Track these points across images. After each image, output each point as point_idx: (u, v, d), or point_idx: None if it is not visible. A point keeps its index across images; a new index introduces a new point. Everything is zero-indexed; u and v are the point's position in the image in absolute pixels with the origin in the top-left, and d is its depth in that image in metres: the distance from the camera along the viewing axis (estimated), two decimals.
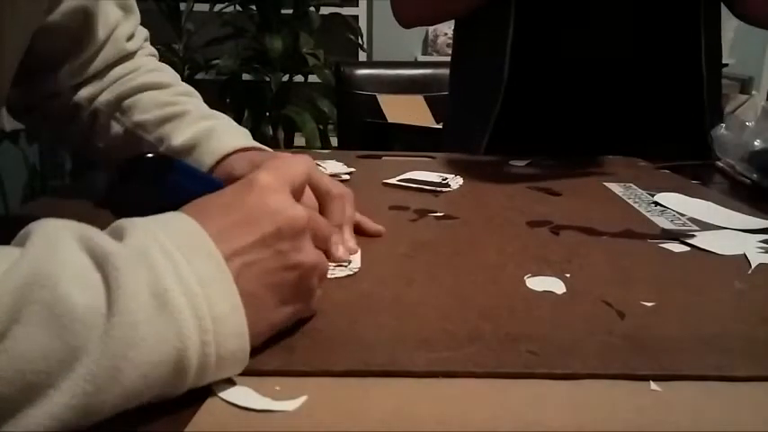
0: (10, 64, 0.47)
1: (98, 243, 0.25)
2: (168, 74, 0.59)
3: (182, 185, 0.35)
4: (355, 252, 0.45)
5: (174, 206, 0.30)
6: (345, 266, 0.42)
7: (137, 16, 0.59)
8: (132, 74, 0.57)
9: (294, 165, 0.36)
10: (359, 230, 0.49)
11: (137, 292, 0.24)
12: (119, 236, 0.27)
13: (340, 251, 0.43)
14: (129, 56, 0.58)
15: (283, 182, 0.33)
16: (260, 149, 0.52)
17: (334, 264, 0.42)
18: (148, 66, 0.58)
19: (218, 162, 0.50)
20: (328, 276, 0.39)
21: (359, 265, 0.43)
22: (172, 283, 0.25)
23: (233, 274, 0.27)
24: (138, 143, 0.53)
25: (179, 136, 0.51)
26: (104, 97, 0.55)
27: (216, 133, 0.52)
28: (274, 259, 0.30)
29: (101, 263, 0.24)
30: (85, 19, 0.53)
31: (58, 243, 0.24)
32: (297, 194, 0.35)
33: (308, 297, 0.33)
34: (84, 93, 0.55)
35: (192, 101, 0.56)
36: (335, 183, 0.48)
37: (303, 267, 0.31)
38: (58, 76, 0.54)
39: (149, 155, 0.37)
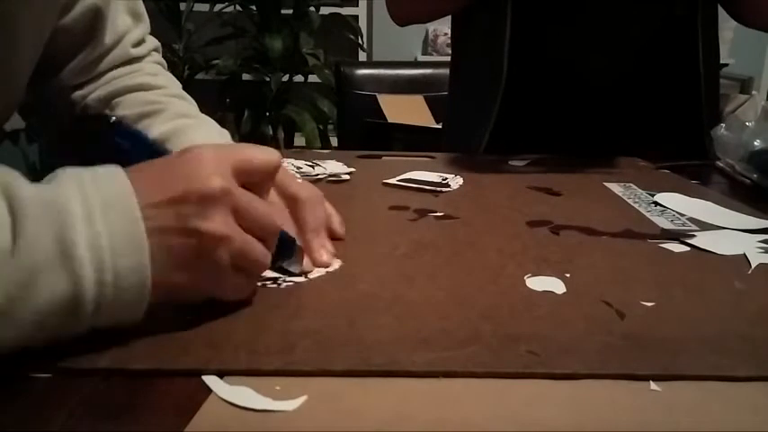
0: (27, 65, 0.48)
1: (15, 190, 0.27)
2: (165, 77, 0.59)
3: (120, 146, 0.36)
4: (332, 255, 0.43)
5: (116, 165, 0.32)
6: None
7: (146, 24, 0.60)
8: (129, 75, 0.57)
9: (251, 150, 0.35)
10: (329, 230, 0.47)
11: (39, 237, 0.27)
12: (49, 180, 0.29)
13: (324, 257, 0.42)
14: (132, 60, 0.58)
15: (223, 158, 0.33)
16: None
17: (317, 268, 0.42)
18: (148, 70, 0.58)
19: None
20: (305, 278, 0.40)
21: (337, 266, 0.42)
22: (79, 234, 0.28)
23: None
24: None
25: (153, 131, 0.51)
26: (96, 94, 0.55)
27: (190, 129, 0.52)
28: (173, 221, 0.30)
29: (14, 208, 0.27)
30: (96, 21, 0.53)
31: None
32: (241, 176, 0.34)
33: (212, 270, 0.32)
34: (81, 91, 0.55)
35: (180, 102, 0.56)
36: (304, 185, 0.46)
37: (204, 236, 0.31)
38: (60, 77, 0.54)
39: (95, 120, 0.37)
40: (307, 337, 0.32)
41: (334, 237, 0.46)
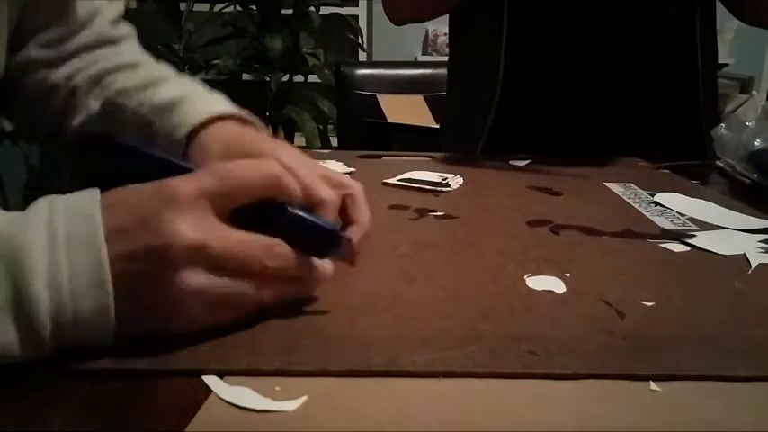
0: (1, 33, 0.45)
1: None
2: (152, 61, 0.56)
3: (121, 166, 0.34)
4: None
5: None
6: None
7: (121, 3, 0.57)
8: (117, 55, 0.54)
9: (245, 177, 0.32)
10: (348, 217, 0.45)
11: None
12: (25, 213, 0.29)
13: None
14: (113, 41, 0.55)
15: (199, 192, 0.30)
16: (245, 121, 0.48)
17: None
18: (136, 51, 0.56)
19: (196, 129, 0.46)
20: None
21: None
22: (38, 274, 0.27)
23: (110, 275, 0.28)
24: (119, 113, 0.49)
25: (160, 95, 0.48)
26: (83, 74, 0.52)
27: (201, 97, 0.48)
28: (136, 277, 0.29)
29: None
30: None
31: None
32: (232, 204, 0.32)
33: (186, 320, 0.31)
34: (63, 71, 0.52)
35: (185, 78, 0.53)
36: (331, 182, 0.43)
37: (169, 292, 0.30)
38: (29, 49, 0.52)
39: (109, 146, 0.34)
40: (307, 337, 0.32)
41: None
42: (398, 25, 0.95)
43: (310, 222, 0.34)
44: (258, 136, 0.46)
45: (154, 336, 0.30)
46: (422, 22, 0.94)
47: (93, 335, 0.29)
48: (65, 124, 0.53)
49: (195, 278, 0.30)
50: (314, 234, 0.34)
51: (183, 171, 0.32)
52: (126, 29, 0.57)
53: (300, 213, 0.34)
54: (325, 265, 0.35)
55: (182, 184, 0.30)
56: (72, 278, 0.28)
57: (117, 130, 0.49)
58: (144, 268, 0.29)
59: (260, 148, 0.43)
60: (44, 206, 0.29)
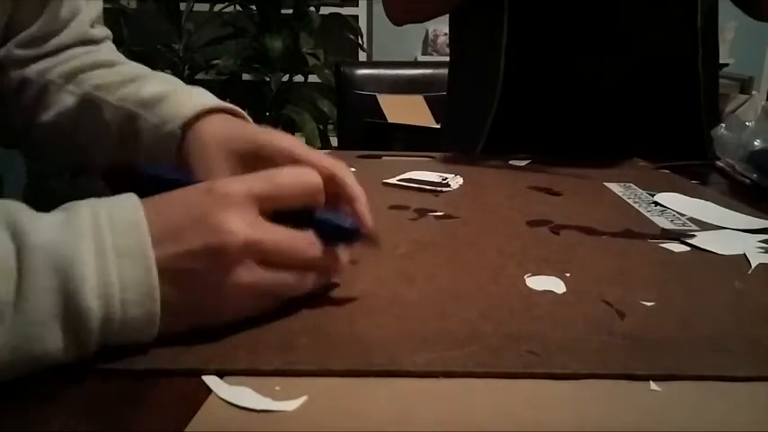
0: None
1: (25, 236, 0.27)
2: (129, 61, 0.55)
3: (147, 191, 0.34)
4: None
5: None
6: None
7: (100, 3, 0.56)
8: (93, 53, 0.54)
9: (284, 175, 0.34)
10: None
11: (46, 291, 0.27)
12: (66, 218, 0.29)
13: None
14: (91, 41, 0.55)
15: (250, 194, 0.32)
16: (233, 112, 0.48)
17: None
18: (111, 50, 0.56)
19: (189, 121, 0.45)
20: None
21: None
22: (88, 284, 0.27)
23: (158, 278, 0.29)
24: (96, 108, 0.48)
25: (144, 91, 0.47)
26: (58, 70, 0.51)
27: (185, 90, 0.48)
28: (191, 275, 0.30)
29: (21, 258, 0.27)
30: None
31: None
32: (275, 205, 0.33)
33: (236, 311, 0.32)
34: (36, 67, 0.52)
35: (165, 75, 0.53)
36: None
37: (222, 288, 0.31)
38: (8, 47, 0.51)
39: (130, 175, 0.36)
40: (307, 336, 0.32)
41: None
42: (398, 25, 0.95)
43: (335, 225, 0.37)
44: (256, 129, 0.46)
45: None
46: (421, 22, 0.94)
47: (136, 337, 0.30)
48: (34, 119, 0.52)
49: (248, 273, 0.31)
50: (338, 234, 0.37)
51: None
52: (105, 31, 0.57)
53: (326, 217, 0.37)
54: (342, 254, 0.38)
55: (232, 186, 0.32)
56: (122, 289, 0.28)
57: (93, 126, 0.48)
58: (201, 266, 0.30)
59: (261, 141, 0.43)
60: (86, 213, 0.29)
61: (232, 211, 0.31)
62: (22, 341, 0.27)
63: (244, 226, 0.31)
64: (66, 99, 0.50)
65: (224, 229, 0.30)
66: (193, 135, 0.45)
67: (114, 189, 0.35)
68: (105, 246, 0.28)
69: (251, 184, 0.32)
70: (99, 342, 0.29)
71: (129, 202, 0.31)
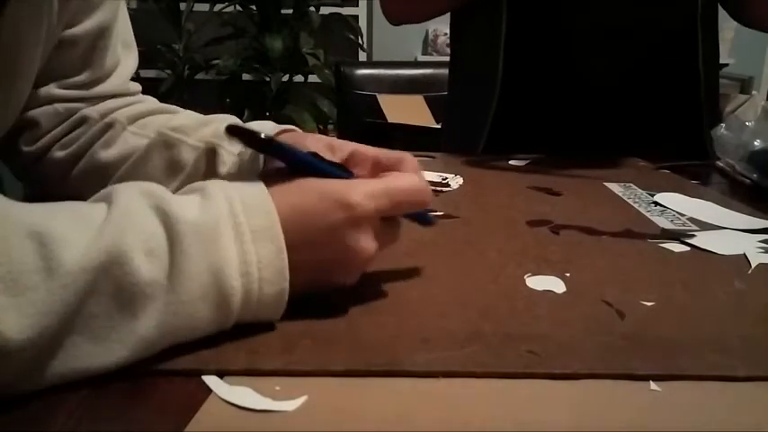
0: (32, 68, 0.47)
1: (173, 218, 0.29)
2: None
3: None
4: None
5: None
6: None
7: (136, 55, 0.60)
8: (149, 102, 0.58)
9: (409, 196, 0.37)
10: None
11: (196, 272, 0.29)
12: (199, 194, 0.32)
13: None
14: (128, 93, 0.58)
15: (378, 213, 0.35)
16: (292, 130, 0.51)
17: None
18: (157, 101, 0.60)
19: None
20: None
21: None
22: (232, 265, 0.30)
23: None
24: (174, 148, 0.51)
25: (221, 127, 0.50)
26: (122, 112, 0.55)
27: (251, 123, 0.51)
28: (314, 273, 0.34)
29: (172, 236, 0.29)
30: (100, 39, 0.53)
31: (134, 216, 0.29)
32: (392, 213, 0.37)
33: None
34: (97, 108, 0.55)
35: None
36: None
37: (338, 283, 0.35)
38: (50, 87, 0.53)
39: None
40: (307, 337, 0.32)
41: None
42: (396, 25, 0.95)
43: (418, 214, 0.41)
44: (336, 140, 0.48)
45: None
46: (419, 22, 0.94)
47: (268, 314, 0.32)
48: (96, 153, 0.55)
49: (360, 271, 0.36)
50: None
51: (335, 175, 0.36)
52: (136, 84, 0.61)
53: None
54: None
55: (360, 200, 0.34)
56: (260, 269, 0.31)
57: (169, 163, 0.51)
58: (326, 277, 0.35)
59: (349, 148, 0.44)
60: (220, 196, 0.31)
61: (361, 227, 0.34)
62: (173, 318, 0.29)
63: (370, 242, 0.34)
64: (131, 139, 0.54)
65: (353, 247, 0.34)
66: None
67: None
68: (242, 228, 0.31)
69: (376, 199, 0.35)
70: (238, 316, 0.31)
71: (258, 190, 0.33)
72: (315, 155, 0.38)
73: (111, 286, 0.27)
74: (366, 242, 0.34)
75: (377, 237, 0.35)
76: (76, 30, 0.51)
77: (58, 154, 0.56)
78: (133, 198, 0.30)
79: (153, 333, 0.28)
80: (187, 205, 0.30)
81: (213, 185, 0.32)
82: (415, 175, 0.39)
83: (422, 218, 0.43)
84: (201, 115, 0.55)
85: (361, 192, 0.34)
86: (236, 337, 0.32)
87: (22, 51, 0.45)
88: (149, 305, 0.28)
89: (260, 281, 0.31)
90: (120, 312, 0.27)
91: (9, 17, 0.42)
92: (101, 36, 0.54)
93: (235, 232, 0.31)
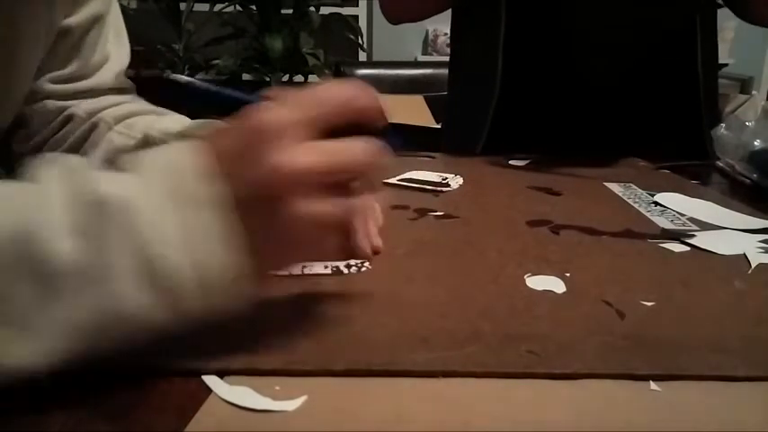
0: (32, 62, 0.47)
1: (94, 191, 0.26)
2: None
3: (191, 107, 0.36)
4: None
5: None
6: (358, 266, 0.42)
7: (127, 54, 0.60)
8: (137, 102, 0.57)
9: (330, 99, 0.30)
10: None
11: (120, 248, 0.25)
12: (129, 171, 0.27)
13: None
14: (122, 90, 0.58)
15: (294, 124, 0.28)
16: None
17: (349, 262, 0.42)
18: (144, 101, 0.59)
19: None
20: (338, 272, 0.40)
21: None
22: (160, 245, 0.26)
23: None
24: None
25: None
26: (109, 112, 0.55)
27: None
28: (252, 209, 0.28)
29: (94, 213, 0.25)
30: (94, 30, 0.53)
31: (52, 197, 0.26)
32: (318, 125, 0.29)
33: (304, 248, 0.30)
34: (84, 106, 0.55)
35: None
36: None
37: (289, 220, 0.28)
38: (41, 81, 0.53)
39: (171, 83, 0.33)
40: (307, 337, 0.32)
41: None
42: (394, 24, 0.95)
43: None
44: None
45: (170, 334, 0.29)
46: (417, 21, 0.94)
47: (222, 291, 0.27)
48: (86, 153, 0.55)
49: (307, 204, 0.28)
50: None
51: (243, 102, 0.31)
52: (129, 82, 0.60)
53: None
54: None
55: (270, 119, 0.28)
56: (194, 235, 0.26)
57: None
58: (257, 202, 0.27)
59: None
60: (149, 171, 0.27)
61: (275, 143, 0.28)
62: (104, 301, 0.25)
63: (291, 155, 0.28)
64: (116, 139, 0.53)
65: (270, 162, 0.27)
66: None
67: None
68: (163, 201, 0.27)
69: (289, 112, 0.29)
70: (187, 298, 0.26)
71: (185, 151, 0.28)
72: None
73: (22, 266, 0.24)
74: (284, 155, 0.27)
75: (317, 147, 0.29)
76: (71, 20, 0.51)
77: (48, 154, 0.56)
78: (52, 174, 0.27)
79: (85, 319, 0.25)
80: (110, 180, 0.27)
81: (141, 157, 0.28)
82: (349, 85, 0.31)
83: (386, 137, 0.33)
84: (188, 119, 0.55)
85: (269, 109, 0.28)
86: (237, 337, 0.32)
87: (20, 44, 0.45)
88: (72, 287, 0.25)
89: (194, 251, 0.26)
90: (37, 295, 0.25)
91: (5, 10, 0.42)
92: (93, 26, 0.53)
93: (162, 203, 0.26)
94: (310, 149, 0.29)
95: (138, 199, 0.26)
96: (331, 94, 0.30)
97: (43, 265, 0.25)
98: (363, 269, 0.42)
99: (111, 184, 0.26)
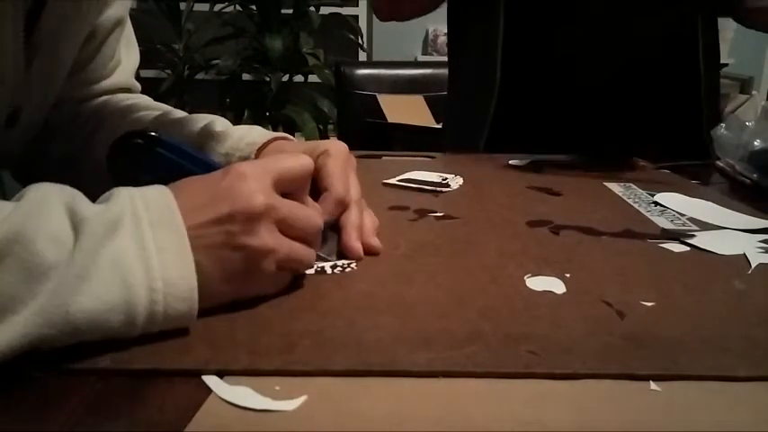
0: (68, 62, 0.49)
1: (79, 209, 0.30)
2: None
3: (170, 161, 0.38)
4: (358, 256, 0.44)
5: (167, 179, 0.35)
6: (342, 266, 0.42)
7: (137, 58, 0.61)
8: (142, 98, 0.59)
9: (286, 161, 0.37)
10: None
11: (96, 252, 0.29)
12: (106, 199, 0.32)
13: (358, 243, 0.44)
14: (129, 90, 0.60)
15: (262, 172, 0.35)
16: (285, 138, 0.52)
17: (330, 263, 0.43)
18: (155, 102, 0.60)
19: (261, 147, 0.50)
20: (322, 271, 0.41)
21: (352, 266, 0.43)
22: (130, 247, 0.30)
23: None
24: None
25: (215, 127, 0.52)
26: (113, 106, 0.56)
27: (246, 126, 0.53)
28: (222, 238, 0.33)
29: (77, 226, 0.30)
30: (116, 32, 0.55)
31: (44, 207, 0.29)
32: (281, 187, 0.36)
33: (259, 279, 0.35)
34: (92, 105, 0.56)
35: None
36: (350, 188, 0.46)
37: (250, 249, 0.34)
38: (68, 84, 0.54)
39: (137, 135, 0.38)
40: (307, 337, 0.32)
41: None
42: (384, 21, 0.96)
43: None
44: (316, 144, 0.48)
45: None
46: (407, 20, 0.94)
47: (179, 304, 0.31)
48: (90, 146, 0.55)
49: (270, 235, 0.34)
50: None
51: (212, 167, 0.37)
52: (136, 83, 0.62)
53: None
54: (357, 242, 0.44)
55: (248, 166, 0.35)
56: (161, 249, 0.31)
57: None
58: (224, 230, 0.33)
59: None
60: (124, 196, 0.32)
61: (249, 182, 0.34)
62: (69, 292, 0.28)
63: (262, 194, 0.34)
64: (120, 127, 0.53)
65: (242, 195, 0.33)
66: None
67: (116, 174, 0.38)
68: (140, 217, 0.31)
69: (265, 164, 0.36)
70: (147, 307, 0.30)
71: (156, 187, 0.34)
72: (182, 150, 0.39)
73: (13, 263, 0.27)
74: (256, 193, 0.34)
75: (281, 200, 0.35)
76: (97, 21, 0.52)
77: (54, 153, 0.56)
78: (43, 191, 0.30)
79: (46, 309, 0.28)
80: (89, 204, 0.31)
81: (119, 189, 0.33)
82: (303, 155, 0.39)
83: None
84: (190, 114, 0.56)
85: (248, 162, 0.36)
86: (237, 337, 0.32)
87: (63, 40, 0.46)
88: (51, 283, 0.28)
89: (162, 263, 0.31)
90: (20, 287, 0.27)
91: (52, 5, 0.43)
92: (115, 29, 0.55)
93: (133, 221, 0.31)
94: (274, 195, 0.35)
95: (119, 217, 0.31)
96: (295, 172, 0.37)
97: (30, 262, 0.27)
98: (348, 270, 0.42)
99: (96, 207, 0.31)
